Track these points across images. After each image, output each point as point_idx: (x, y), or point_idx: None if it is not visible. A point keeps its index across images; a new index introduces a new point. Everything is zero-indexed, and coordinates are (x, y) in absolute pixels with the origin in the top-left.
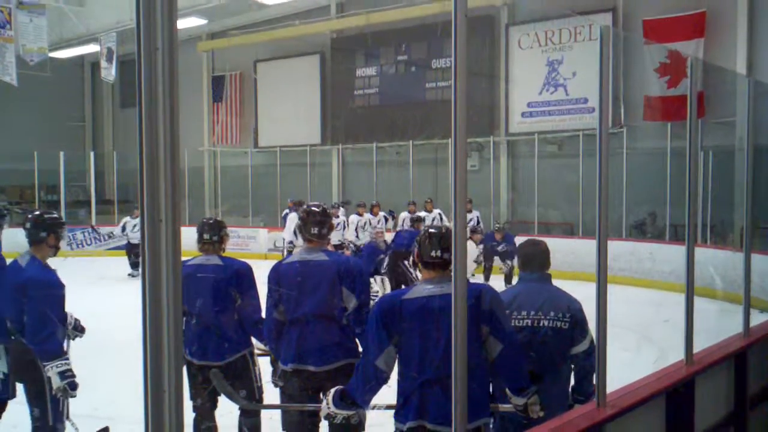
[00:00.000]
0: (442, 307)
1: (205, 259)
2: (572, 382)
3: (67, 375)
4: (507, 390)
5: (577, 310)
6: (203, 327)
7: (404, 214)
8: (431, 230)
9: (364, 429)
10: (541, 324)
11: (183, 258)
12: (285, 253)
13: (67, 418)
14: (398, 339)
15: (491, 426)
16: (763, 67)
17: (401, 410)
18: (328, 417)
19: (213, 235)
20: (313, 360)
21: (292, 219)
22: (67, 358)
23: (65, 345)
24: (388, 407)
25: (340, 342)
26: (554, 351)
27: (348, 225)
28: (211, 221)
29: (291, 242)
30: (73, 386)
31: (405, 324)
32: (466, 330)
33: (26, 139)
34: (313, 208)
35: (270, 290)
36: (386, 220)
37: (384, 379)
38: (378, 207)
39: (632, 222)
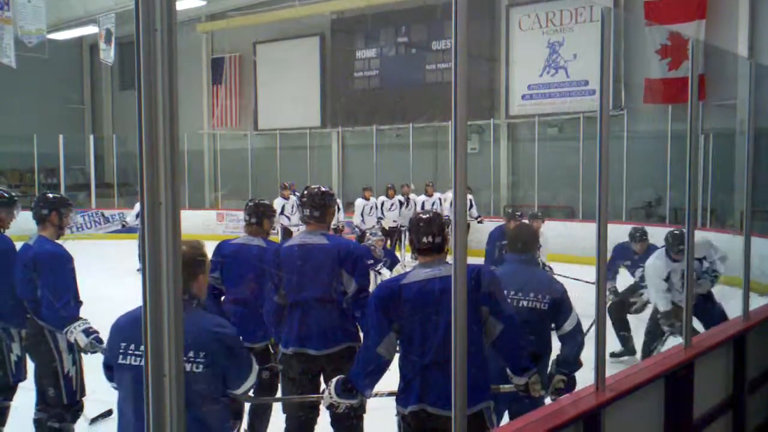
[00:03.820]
0: (441, 290)
1: (248, 239)
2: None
3: (91, 331)
4: (508, 370)
5: (559, 293)
6: (242, 307)
7: (422, 197)
8: (421, 215)
9: (365, 412)
10: (520, 304)
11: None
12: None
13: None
14: (398, 324)
15: (492, 409)
16: (764, 50)
17: (402, 394)
18: (330, 407)
19: (252, 217)
20: (313, 344)
21: (278, 203)
22: (86, 320)
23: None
24: (390, 394)
25: (340, 326)
26: (533, 330)
27: (341, 208)
28: (251, 204)
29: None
30: (99, 341)
31: (404, 309)
32: (466, 315)
33: (25, 121)
34: (312, 190)
35: (270, 274)
36: (401, 204)
37: (385, 366)
38: (393, 190)
39: (642, 203)
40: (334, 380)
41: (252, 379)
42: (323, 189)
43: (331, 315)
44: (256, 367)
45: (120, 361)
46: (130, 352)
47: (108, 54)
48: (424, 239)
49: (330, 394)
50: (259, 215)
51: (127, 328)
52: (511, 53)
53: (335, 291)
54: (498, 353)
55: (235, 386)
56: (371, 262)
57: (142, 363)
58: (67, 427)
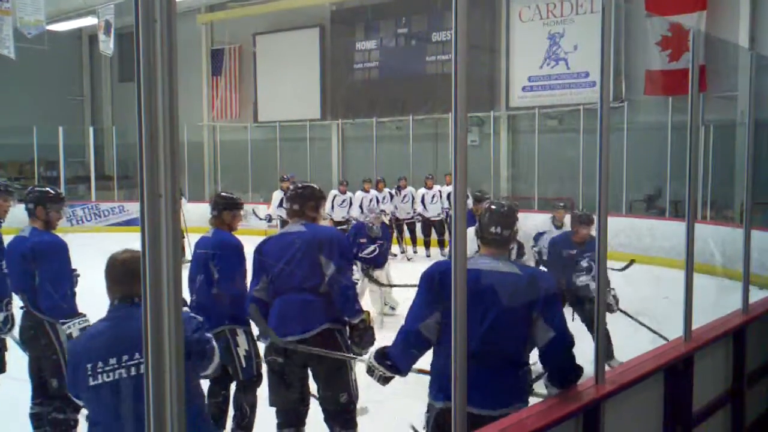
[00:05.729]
0: (496, 284)
1: (211, 231)
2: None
3: None
4: (549, 382)
5: None
6: (196, 301)
7: (422, 190)
8: (492, 206)
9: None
10: None
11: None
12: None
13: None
14: (444, 307)
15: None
16: (765, 41)
17: (435, 385)
18: (369, 370)
19: (212, 209)
20: (292, 330)
21: (277, 196)
22: (85, 315)
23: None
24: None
25: (319, 309)
26: None
27: (352, 203)
28: (213, 195)
29: (269, 215)
30: None
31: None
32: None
33: (25, 113)
34: (297, 185)
35: (254, 268)
36: (391, 197)
37: (426, 347)
38: (383, 183)
39: (644, 196)
40: (373, 350)
41: (216, 360)
42: (306, 184)
43: (311, 301)
44: (217, 351)
45: (91, 383)
46: (99, 370)
47: (107, 45)
48: (492, 229)
49: (369, 359)
50: (219, 207)
51: (87, 349)
52: (512, 45)
53: (316, 276)
54: (545, 362)
55: (202, 370)
56: (364, 240)
57: (118, 375)
58: (73, 416)
